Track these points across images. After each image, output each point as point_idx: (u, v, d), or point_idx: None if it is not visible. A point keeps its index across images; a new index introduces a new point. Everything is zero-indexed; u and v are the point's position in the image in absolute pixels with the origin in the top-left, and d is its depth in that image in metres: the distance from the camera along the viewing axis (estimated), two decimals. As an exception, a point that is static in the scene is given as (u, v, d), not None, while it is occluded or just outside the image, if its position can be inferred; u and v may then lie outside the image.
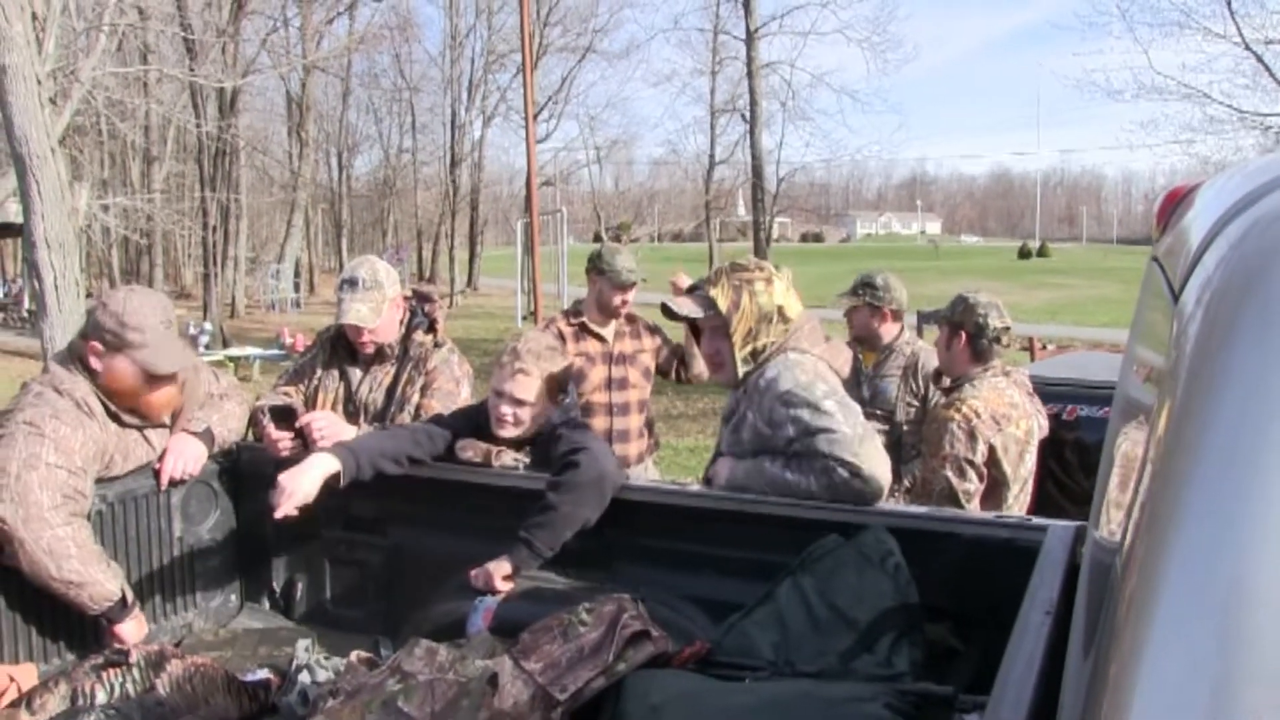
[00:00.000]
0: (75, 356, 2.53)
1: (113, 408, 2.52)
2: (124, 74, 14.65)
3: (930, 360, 3.84)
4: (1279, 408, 0.58)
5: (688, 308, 2.45)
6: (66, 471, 2.37)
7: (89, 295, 8.27)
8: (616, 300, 3.82)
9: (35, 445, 2.34)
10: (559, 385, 2.61)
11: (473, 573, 2.33)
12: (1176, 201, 1.21)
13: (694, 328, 2.57)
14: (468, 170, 35.33)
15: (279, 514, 2.37)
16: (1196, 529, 0.54)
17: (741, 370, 2.41)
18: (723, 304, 2.39)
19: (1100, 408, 4.17)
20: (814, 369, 2.34)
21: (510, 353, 2.59)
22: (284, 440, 2.82)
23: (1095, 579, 1.03)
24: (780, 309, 2.41)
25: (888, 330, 3.91)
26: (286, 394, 3.11)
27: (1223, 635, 0.50)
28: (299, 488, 2.38)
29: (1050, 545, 1.79)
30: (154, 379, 2.51)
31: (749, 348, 2.40)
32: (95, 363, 2.48)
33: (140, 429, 2.62)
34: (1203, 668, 0.49)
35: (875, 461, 2.20)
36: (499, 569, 2.32)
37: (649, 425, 4.03)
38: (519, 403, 2.56)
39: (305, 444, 2.81)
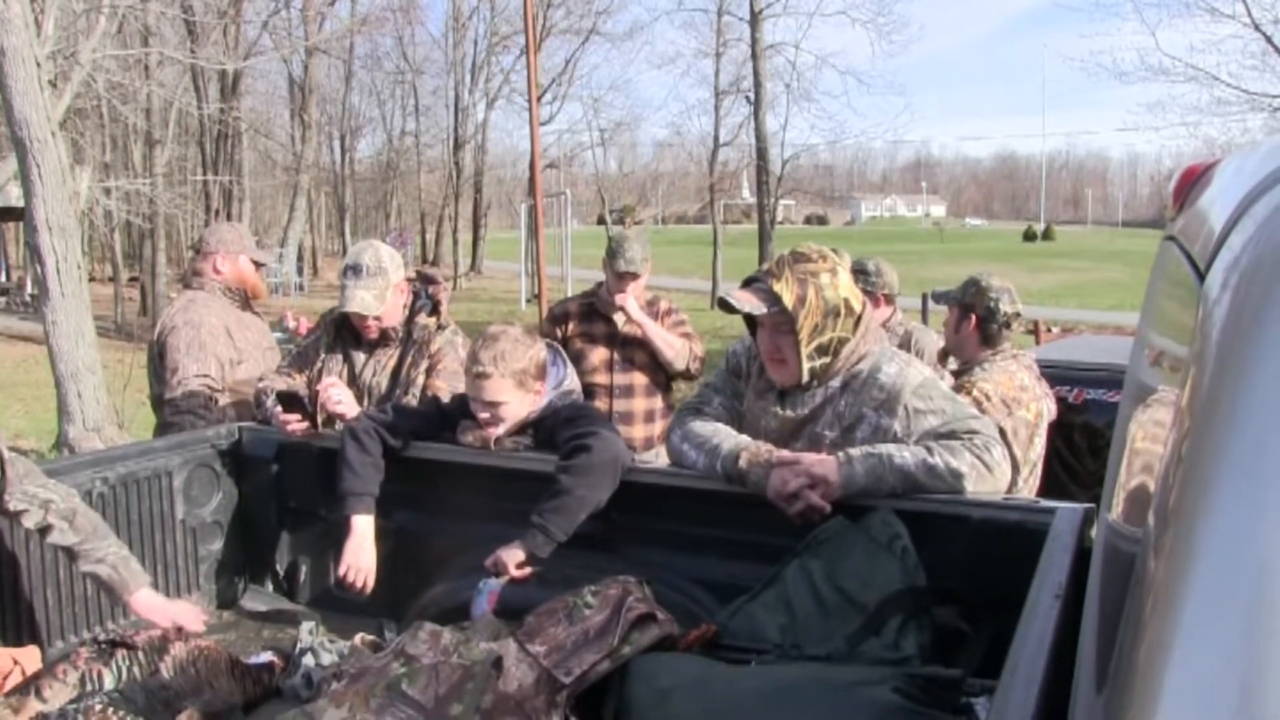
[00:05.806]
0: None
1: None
2: (125, 56, 14.58)
3: (923, 338, 3.87)
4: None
5: (750, 303, 2.24)
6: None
7: (90, 279, 8.29)
8: (619, 292, 3.79)
9: None
10: (532, 375, 2.54)
11: (487, 561, 2.32)
12: (1194, 180, 1.19)
13: (750, 322, 2.38)
14: (471, 153, 35.19)
15: (358, 585, 2.56)
16: (1226, 518, 0.52)
17: (807, 367, 2.24)
18: (788, 299, 2.20)
19: (1107, 391, 4.17)
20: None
21: (470, 358, 2.53)
22: (293, 422, 2.82)
23: (1111, 565, 1.02)
24: (846, 301, 2.25)
25: (880, 314, 3.93)
26: (289, 376, 3.11)
27: (1252, 627, 0.48)
28: (365, 563, 2.56)
29: (1058, 528, 1.77)
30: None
31: (815, 343, 2.22)
32: None
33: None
34: (1233, 660, 0.47)
35: None
36: (512, 555, 2.29)
37: (659, 411, 3.98)
38: (493, 405, 2.52)
39: (314, 424, 2.81)
